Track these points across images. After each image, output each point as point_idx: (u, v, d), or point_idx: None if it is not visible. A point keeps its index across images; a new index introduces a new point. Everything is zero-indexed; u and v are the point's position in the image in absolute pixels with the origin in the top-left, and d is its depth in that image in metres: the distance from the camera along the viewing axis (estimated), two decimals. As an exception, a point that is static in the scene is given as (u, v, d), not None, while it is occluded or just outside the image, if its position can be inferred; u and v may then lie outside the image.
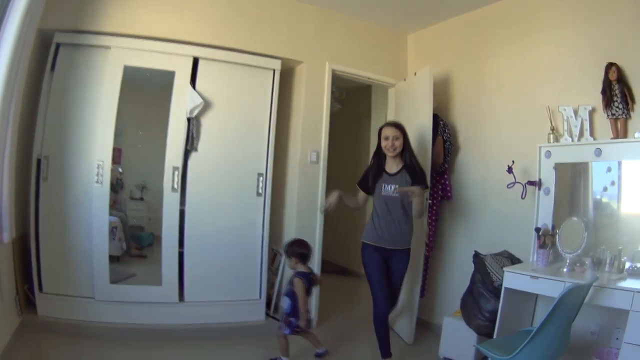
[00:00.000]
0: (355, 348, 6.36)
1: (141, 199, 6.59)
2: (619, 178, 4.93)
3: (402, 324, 6.58)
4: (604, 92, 4.97)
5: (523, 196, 5.61)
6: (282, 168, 7.07)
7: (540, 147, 5.56)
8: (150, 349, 5.54)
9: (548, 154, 5.50)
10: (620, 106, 4.84)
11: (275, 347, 5.45)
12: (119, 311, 5.71)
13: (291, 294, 5.31)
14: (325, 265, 7.51)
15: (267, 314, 6.68)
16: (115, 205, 6.21)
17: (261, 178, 6.51)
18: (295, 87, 7.12)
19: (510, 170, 5.59)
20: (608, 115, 4.97)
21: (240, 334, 5.96)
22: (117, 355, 5.32)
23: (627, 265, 4.55)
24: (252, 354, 5.88)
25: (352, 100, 10.45)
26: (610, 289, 4.11)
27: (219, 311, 6.15)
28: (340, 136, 9.49)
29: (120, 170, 6.22)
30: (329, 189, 6.80)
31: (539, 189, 5.55)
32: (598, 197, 5.16)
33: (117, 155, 5.99)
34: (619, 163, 4.92)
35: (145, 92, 6.49)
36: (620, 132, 4.90)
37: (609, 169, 5.01)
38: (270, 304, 6.81)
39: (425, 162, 6.17)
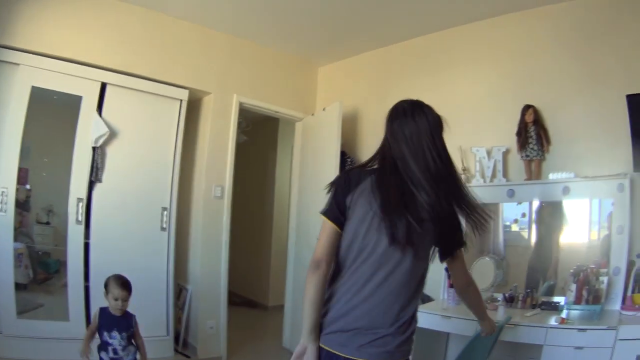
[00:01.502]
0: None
1: (48, 223, 6.33)
2: (530, 218, 5.19)
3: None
4: (519, 133, 5.12)
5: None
6: (186, 202, 6.98)
7: (449, 188, 5.58)
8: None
9: None
10: (536, 147, 5.00)
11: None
12: (28, 347, 5.38)
13: (132, 340, 4.64)
14: (232, 296, 7.42)
15: (176, 350, 6.54)
16: (21, 228, 5.92)
17: (165, 212, 6.40)
18: (202, 118, 7.04)
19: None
20: (522, 157, 5.12)
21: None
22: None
23: (540, 300, 4.70)
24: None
25: (258, 131, 10.42)
26: (523, 326, 4.24)
27: (128, 348, 5.94)
28: (245, 168, 9.47)
29: (28, 187, 5.94)
30: (234, 222, 6.75)
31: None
32: (509, 234, 5.35)
33: (24, 176, 5.74)
34: (530, 203, 5.16)
35: (53, 114, 6.21)
36: (535, 174, 5.05)
37: (518, 203, 5.23)
38: (178, 340, 6.67)
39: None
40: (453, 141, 5.59)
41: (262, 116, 8.42)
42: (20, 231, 5.81)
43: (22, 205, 5.72)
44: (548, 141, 5.00)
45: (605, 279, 4.42)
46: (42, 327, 5.57)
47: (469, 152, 5.58)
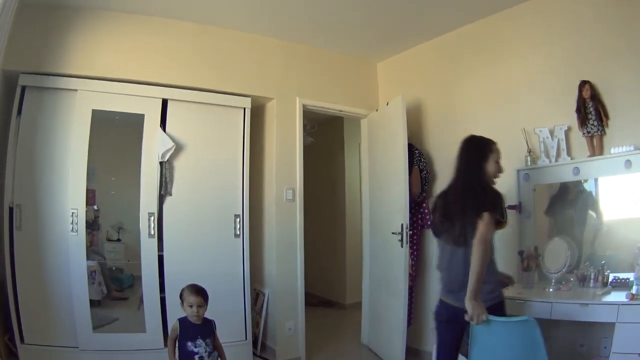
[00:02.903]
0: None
1: (118, 240, 6.46)
2: (597, 194, 5.05)
3: (392, 353, 6.51)
4: (578, 110, 5.00)
5: (504, 220, 5.54)
6: (258, 207, 7.02)
7: (518, 171, 5.57)
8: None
9: (526, 177, 5.52)
10: (595, 123, 4.86)
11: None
12: None
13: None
14: (309, 297, 7.46)
15: (255, 354, 6.60)
16: (92, 246, 6.06)
17: (238, 219, 6.44)
18: (267, 124, 7.08)
19: (489, 196, 5.56)
20: (584, 133, 4.99)
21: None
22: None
23: (611, 277, 4.60)
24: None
25: (324, 132, 10.44)
26: (595, 304, 4.21)
27: (207, 355, 6.02)
28: (314, 168, 9.51)
29: (96, 207, 6.07)
30: (306, 224, 6.78)
31: (520, 212, 5.53)
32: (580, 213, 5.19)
33: (92, 197, 5.88)
34: (596, 180, 5.01)
35: (116, 134, 6.37)
36: (597, 149, 4.93)
37: (584, 181, 5.12)
38: (256, 344, 6.74)
39: (403, 192, 6.26)
40: (516, 124, 5.63)
41: (326, 117, 8.44)
42: (92, 250, 5.96)
43: (91, 225, 5.86)
44: (607, 115, 4.86)
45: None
46: (118, 340, 5.72)
47: (532, 134, 5.51)
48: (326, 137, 10.65)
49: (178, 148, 6.06)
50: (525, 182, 5.53)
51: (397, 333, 6.34)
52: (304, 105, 7.07)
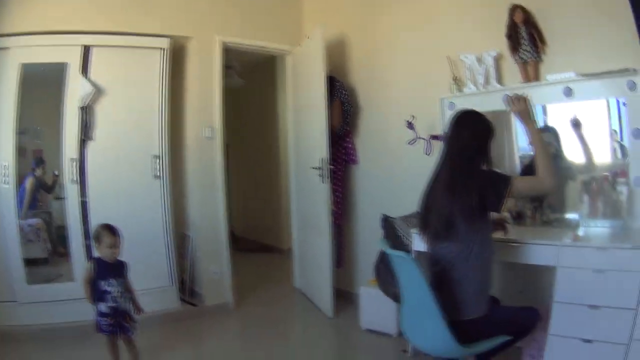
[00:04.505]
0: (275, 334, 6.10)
1: (64, 198, 6.41)
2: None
3: (321, 297, 6.48)
4: (509, 36, 4.80)
5: (427, 152, 5.49)
6: (179, 149, 6.92)
7: (442, 99, 5.39)
8: (73, 347, 5.34)
9: (452, 106, 5.30)
10: (529, 49, 4.68)
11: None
12: (42, 312, 5.67)
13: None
14: (248, 243, 7.42)
15: (182, 299, 6.53)
16: (42, 205, 6.26)
17: (157, 160, 6.32)
18: (189, 64, 6.90)
19: (410, 125, 5.46)
20: (516, 60, 4.81)
21: (159, 322, 5.81)
22: (40, 357, 5.21)
23: (554, 216, 4.46)
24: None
25: (258, 73, 10.21)
26: (531, 244, 3.93)
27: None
28: (250, 112, 9.43)
29: (56, 172, 6.12)
30: (243, 170, 6.72)
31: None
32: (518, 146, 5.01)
33: (39, 156, 6.19)
34: (544, 107, 4.77)
35: (50, 90, 6.23)
36: (532, 76, 4.74)
37: None
38: (184, 289, 6.68)
39: (324, 125, 6.16)
40: (441, 50, 5.41)
41: (261, 57, 8.31)
42: (41, 207, 6.30)
43: (48, 188, 6.26)
44: (542, 41, 4.67)
45: (624, 189, 4.07)
46: (51, 291, 5.85)
47: (458, 61, 5.30)
48: (260, 78, 10.43)
49: (100, 92, 5.99)
50: (451, 110, 5.21)
51: (325, 274, 6.31)
52: (224, 43, 6.87)
